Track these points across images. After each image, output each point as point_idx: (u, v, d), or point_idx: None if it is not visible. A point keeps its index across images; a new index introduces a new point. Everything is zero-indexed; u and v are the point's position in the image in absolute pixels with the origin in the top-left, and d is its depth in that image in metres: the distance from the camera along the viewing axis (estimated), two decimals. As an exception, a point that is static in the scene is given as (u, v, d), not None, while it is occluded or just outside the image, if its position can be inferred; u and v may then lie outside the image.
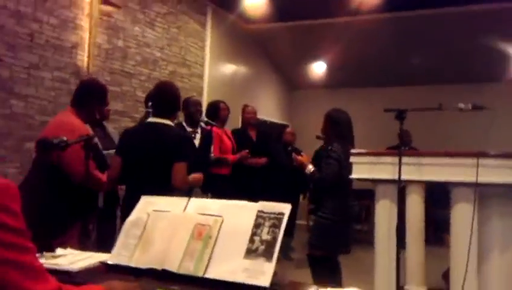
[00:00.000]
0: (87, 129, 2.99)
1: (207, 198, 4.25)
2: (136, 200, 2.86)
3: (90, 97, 3.05)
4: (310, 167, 3.77)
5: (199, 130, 4.56)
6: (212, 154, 4.71)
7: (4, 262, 1.03)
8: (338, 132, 3.73)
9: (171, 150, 2.80)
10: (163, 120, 2.95)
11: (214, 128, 4.78)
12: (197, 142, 4.47)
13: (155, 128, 2.93)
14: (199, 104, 4.73)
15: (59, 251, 1.93)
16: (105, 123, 3.86)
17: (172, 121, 3.00)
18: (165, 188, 2.65)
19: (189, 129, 4.47)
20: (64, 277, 1.46)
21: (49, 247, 1.83)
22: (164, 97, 3.00)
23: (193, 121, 4.50)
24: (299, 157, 3.95)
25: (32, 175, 3.02)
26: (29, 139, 4.32)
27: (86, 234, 3.02)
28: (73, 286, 1.21)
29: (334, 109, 3.89)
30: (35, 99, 4.68)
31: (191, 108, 4.52)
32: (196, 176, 3.05)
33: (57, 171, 2.80)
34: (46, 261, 1.66)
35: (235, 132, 5.65)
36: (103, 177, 2.86)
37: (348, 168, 3.53)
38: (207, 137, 4.59)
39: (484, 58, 7.82)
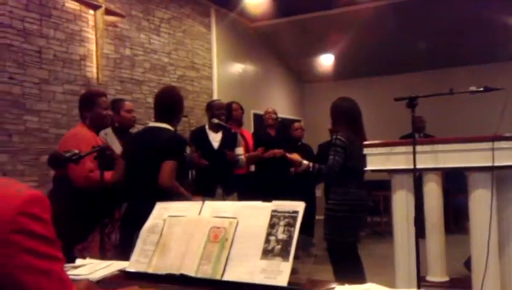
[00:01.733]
0: (94, 137, 3.09)
1: (233, 199, 4.28)
2: (135, 201, 2.94)
3: (81, 108, 3.24)
4: (305, 162, 3.74)
5: (220, 133, 4.57)
6: (242, 156, 4.70)
7: (36, 271, 1.03)
8: (343, 120, 3.69)
9: (161, 150, 2.87)
10: (161, 124, 3.03)
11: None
12: (216, 144, 4.49)
13: (151, 132, 3.04)
14: (223, 107, 4.73)
15: (79, 261, 1.95)
16: (132, 131, 3.91)
17: (174, 125, 3.06)
18: (159, 189, 2.75)
19: (211, 133, 4.50)
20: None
21: (71, 256, 1.85)
22: (162, 102, 3.09)
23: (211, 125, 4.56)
24: (291, 156, 3.88)
25: (52, 189, 3.09)
26: (46, 153, 4.38)
27: (107, 236, 3.08)
28: None
29: (339, 98, 3.84)
30: (48, 114, 4.74)
31: (215, 112, 4.56)
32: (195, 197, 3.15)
33: (69, 182, 2.87)
34: (68, 272, 1.69)
35: (256, 133, 5.84)
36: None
37: (355, 156, 3.50)
38: (228, 138, 4.58)
39: (493, 36, 7.71)
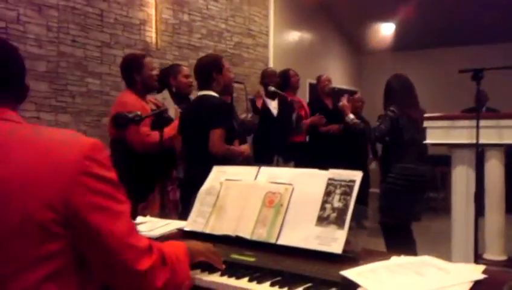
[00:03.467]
0: (142, 106, 3.09)
1: (290, 166, 4.32)
2: (189, 168, 3.02)
3: (130, 72, 3.24)
4: (352, 116, 3.76)
5: (276, 100, 4.57)
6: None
7: (103, 210, 1.08)
8: (391, 99, 3.64)
9: (206, 118, 2.90)
10: (204, 91, 3.06)
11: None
12: (275, 111, 4.52)
13: (198, 101, 3.09)
14: (274, 74, 4.76)
15: (139, 218, 2.03)
16: (191, 97, 3.97)
17: (215, 90, 3.05)
18: (208, 156, 2.80)
19: (268, 100, 4.53)
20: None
21: (134, 214, 1.93)
22: (197, 71, 3.13)
23: (268, 92, 4.58)
24: (346, 104, 3.94)
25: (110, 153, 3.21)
26: (106, 114, 4.53)
27: (165, 197, 3.18)
28: (160, 243, 1.27)
29: (392, 75, 3.79)
30: (109, 77, 4.87)
31: (266, 79, 4.62)
32: (243, 147, 3.17)
33: (126, 145, 2.97)
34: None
35: (311, 101, 5.77)
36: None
37: (411, 130, 3.43)
38: (285, 106, 4.59)
39: None
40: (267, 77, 4.68)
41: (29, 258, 1.03)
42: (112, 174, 1.12)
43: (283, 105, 4.56)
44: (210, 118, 2.89)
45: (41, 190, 1.03)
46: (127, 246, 1.11)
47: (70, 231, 1.06)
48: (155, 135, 2.88)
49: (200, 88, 3.10)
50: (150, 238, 1.20)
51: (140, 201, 2.95)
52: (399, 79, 3.71)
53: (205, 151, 2.85)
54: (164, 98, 3.78)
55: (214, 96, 3.02)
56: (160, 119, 2.78)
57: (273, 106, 4.53)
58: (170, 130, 3.13)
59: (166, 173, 3.21)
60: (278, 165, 4.21)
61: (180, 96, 3.75)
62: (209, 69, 3.05)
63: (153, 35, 5.32)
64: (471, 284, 1.22)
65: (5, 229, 1.03)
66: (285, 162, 4.36)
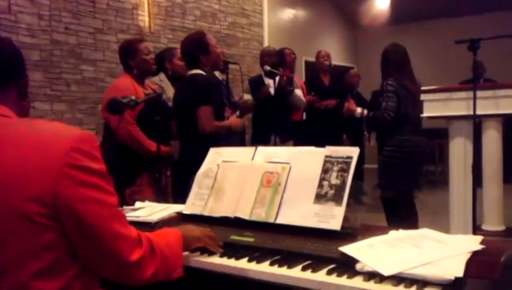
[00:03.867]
0: (136, 90, 3.06)
1: (289, 146, 4.30)
2: (182, 149, 3.01)
3: (125, 58, 3.20)
4: (359, 110, 3.68)
5: (276, 80, 4.54)
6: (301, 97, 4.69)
7: (92, 201, 1.08)
8: (389, 68, 3.58)
9: (192, 97, 2.88)
10: (193, 71, 3.02)
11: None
12: (272, 90, 4.50)
13: (186, 81, 3.06)
14: (271, 54, 4.71)
15: (138, 204, 2.04)
16: None
17: (204, 69, 3.02)
18: (198, 134, 2.80)
19: (267, 80, 4.51)
20: (144, 228, 1.55)
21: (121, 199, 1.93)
22: (184, 49, 3.11)
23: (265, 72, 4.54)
24: (347, 105, 3.83)
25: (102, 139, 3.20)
26: (102, 101, 4.51)
27: (157, 183, 3.17)
28: (150, 233, 1.27)
29: (389, 44, 3.73)
30: (103, 63, 4.85)
31: (264, 59, 4.59)
32: (231, 119, 3.09)
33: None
34: (127, 214, 1.77)
35: (309, 81, 5.71)
36: (152, 146, 2.94)
37: (408, 102, 3.41)
38: (282, 84, 4.56)
39: None
40: (265, 56, 4.63)
41: (20, 254, 1.03)
42: (100, 166, 1.12)
43: (279, 84, 4.52)
44: (195, 96, 2.87)
45: (30, 183, 1.03)
46: (118, 236, 1.11)
47: (60, 223, 1.06)
48: (152, 144, 2.89)
49: (189, 68, 3.08)
50: (136, 229, 1.21)
51: (128, 185, 2.94)
52: (396, 48, 3.66)
53: (196, 131, 2.85)
54: (161, 80, 3.77)
55: (200, 75, 2.98)
56: (155, 103, 2.76)
57: (271, 85, 4.50)
58: (165, 150, 3.14)
59: (155, 159, 3.20)
60: (275, 145, 4.19)
61: (176, 79, 3.73)
62: (195, 51, 3.01)
63: (146, 19, 5.28)
64: (469, 255, 1.23)
65: None
66: (283, 142, 4.34)
